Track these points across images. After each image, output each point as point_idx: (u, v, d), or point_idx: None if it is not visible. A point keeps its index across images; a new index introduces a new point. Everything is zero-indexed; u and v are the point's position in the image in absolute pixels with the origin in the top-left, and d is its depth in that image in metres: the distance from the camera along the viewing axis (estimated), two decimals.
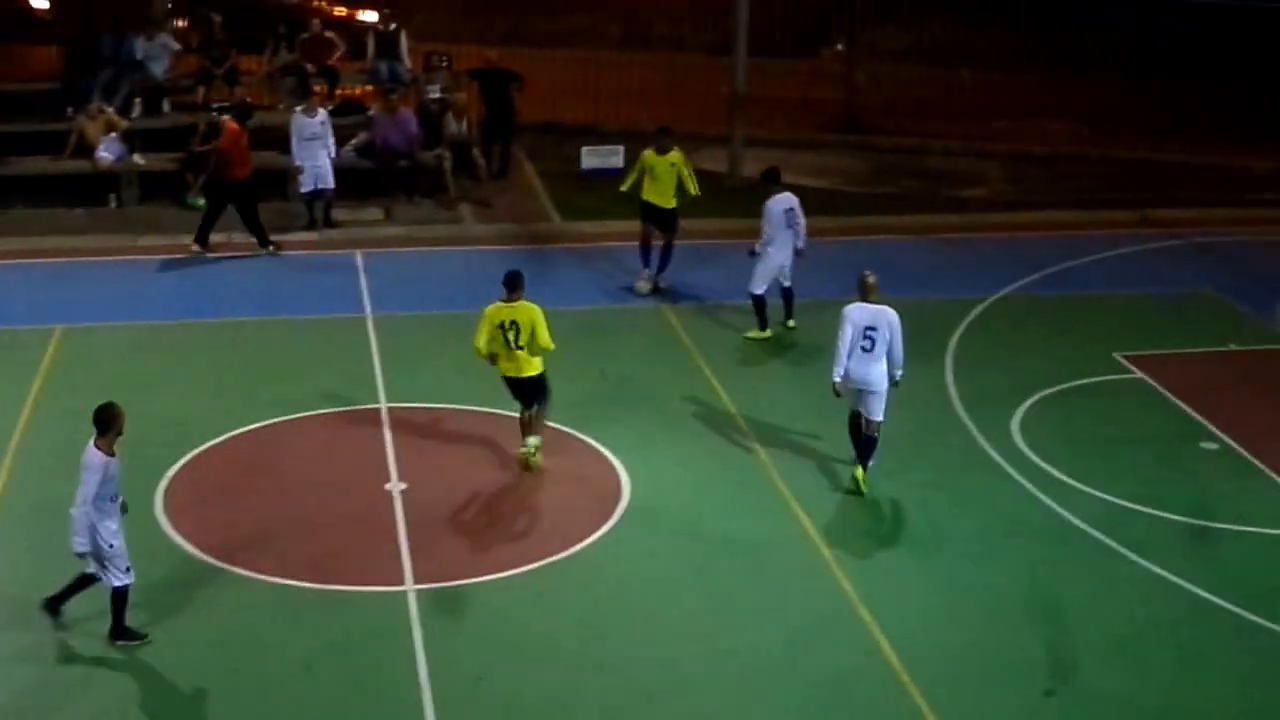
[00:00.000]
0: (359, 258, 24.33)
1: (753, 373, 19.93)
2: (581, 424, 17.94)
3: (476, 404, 18.51)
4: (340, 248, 24.91)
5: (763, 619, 14.24)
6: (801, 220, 20.90)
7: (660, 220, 22.74)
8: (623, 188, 23.31)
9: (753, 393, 19.16)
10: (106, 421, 13.50)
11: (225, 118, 25.14)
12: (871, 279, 16.62)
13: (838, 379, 16.42)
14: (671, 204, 22.56)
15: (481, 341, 16.65)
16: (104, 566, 13.38)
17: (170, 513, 15.93)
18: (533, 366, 16.69)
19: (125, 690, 13.09)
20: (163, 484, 16.51)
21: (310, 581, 14.70)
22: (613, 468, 17.08)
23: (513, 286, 16.74)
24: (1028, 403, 19.04)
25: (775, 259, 20.87)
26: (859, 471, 16.62)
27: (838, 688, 13.25)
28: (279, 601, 14.44)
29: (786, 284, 21.15)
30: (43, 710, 12.78)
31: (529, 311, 16.59)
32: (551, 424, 17.46)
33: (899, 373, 16.53)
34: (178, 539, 15.44)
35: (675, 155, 22.63)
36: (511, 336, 16.55)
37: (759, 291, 20.88)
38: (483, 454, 17.41)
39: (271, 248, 24.46)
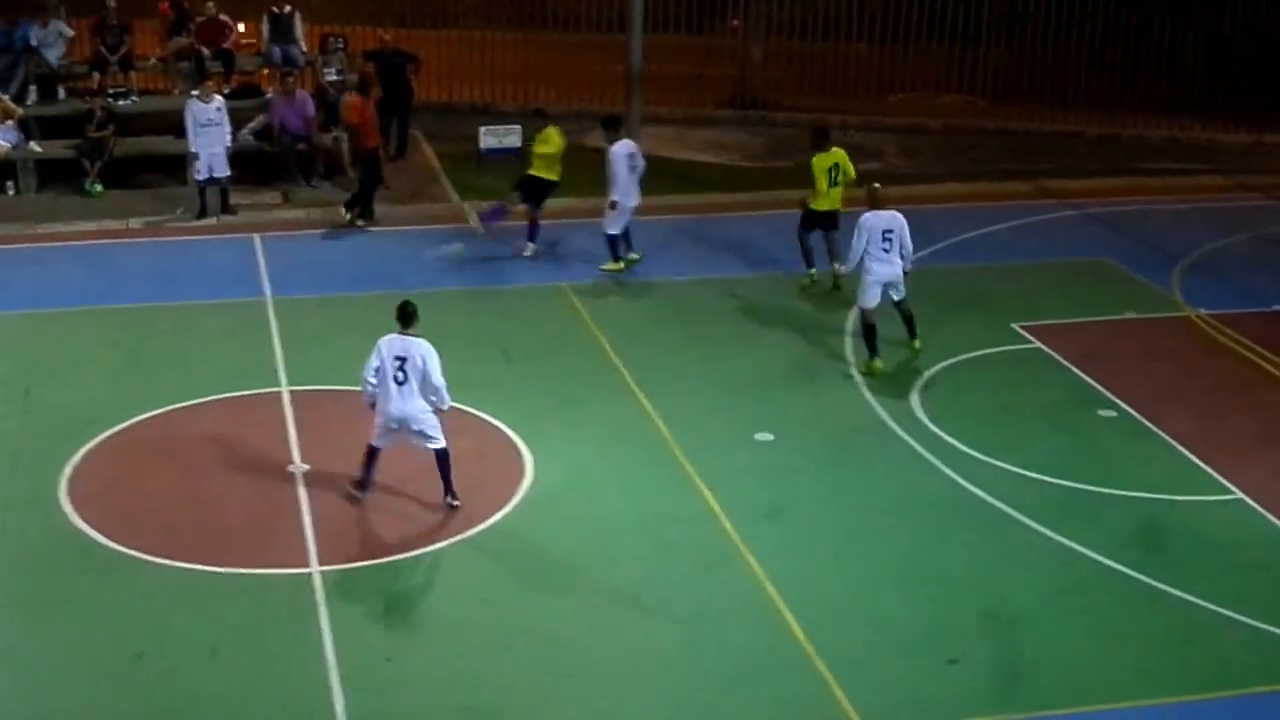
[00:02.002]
0: (257, 241, 24.20)
1: (655, 350, 20.00)
2: (484, 404, 17.97)
3: None
4: (239, 231, 24.77)
5: (668, 596, 14.34)
6: (641, 164, 22.58)
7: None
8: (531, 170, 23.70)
9: (656, 369, 19.25)
10: None
11: (349, 93, 25.63)
12: (879, 189, 19.87)
13: (843, 271, 21.34)
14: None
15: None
16: None
17: (75, 501, 15.83)
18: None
19: (28, 679, 13.01)
20: (66, 472, 16.40)
21: (216, 565, 14.66)
22: (516, 447, 17.13)
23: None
24: (927, 374, 19.30)
25: (627, 206, 22.39)
26: (914, 344, 19.86)
27: (744, 664, 13.35)
28: (184, 587, 14.39)
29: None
30: None
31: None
32: (456, 404, 17.50)
33: (909, 265, 19.59)
34: (83, 527, 15.35)
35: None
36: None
37: (613, 233, 22.42)
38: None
39: (362, 222, 24.93)
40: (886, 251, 19.19)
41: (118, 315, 21.05)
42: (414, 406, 15.29)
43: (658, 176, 24.63)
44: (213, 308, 21.38)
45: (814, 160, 22.16)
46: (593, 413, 18.14)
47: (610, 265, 22.58)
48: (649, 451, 17.18)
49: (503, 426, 17.59)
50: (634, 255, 22.69)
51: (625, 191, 22.27)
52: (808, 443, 17.41)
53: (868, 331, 19.31)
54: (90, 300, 21.64)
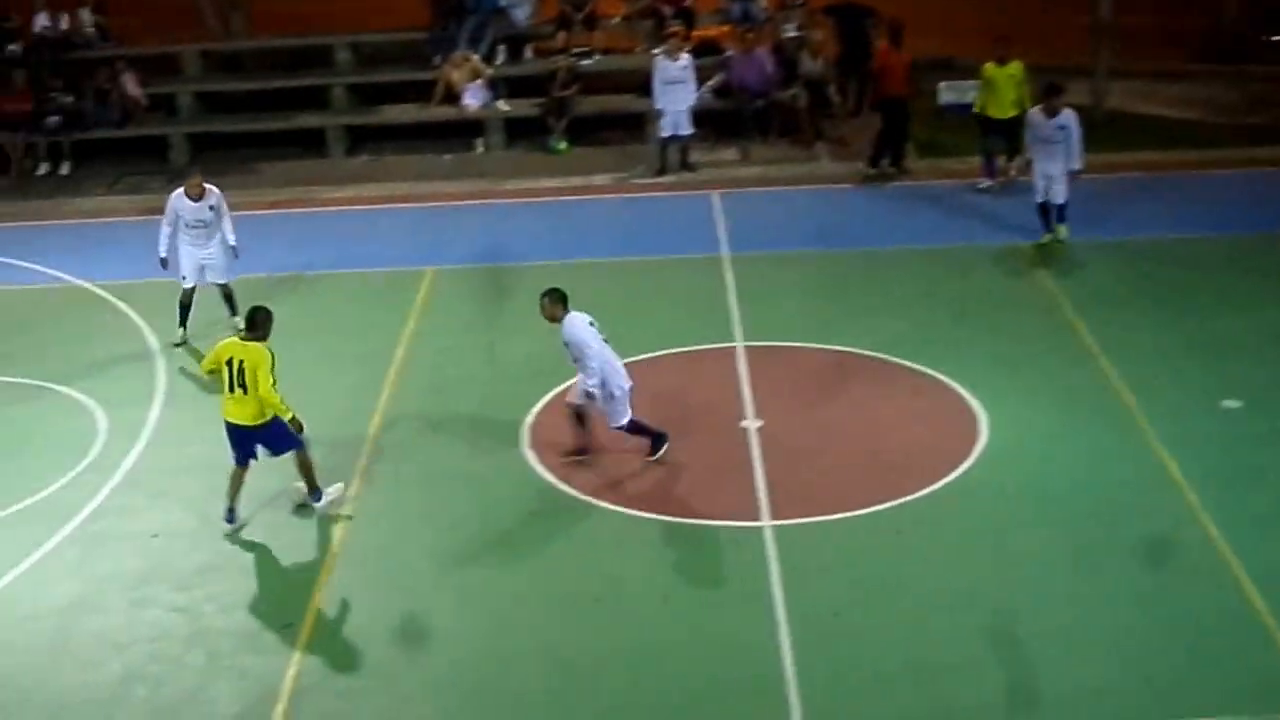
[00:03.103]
0: (715, 198, 24.50)
1: (1117, 311, 19.35)
2: (938, 363, 17.78)
3: (833, 342, 18.55)
4: (696, 189, 25.14)
5: (1125, 565, 13.89)
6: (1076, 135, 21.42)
7: (1001, 130, 23.76)
8: (975, 108, 24.28)
9: (1116, 331, 18.63)
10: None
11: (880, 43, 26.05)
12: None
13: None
14: (1010, 113, 23.50)
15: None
16: None
17: (535, 449, 16.35)
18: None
19: (495, 617, 13.54)
20: (528, 420, 16.96)
21: (669, 515, 14.95)
22: (970, 408, 16.87)
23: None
24: None
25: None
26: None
27: (1205, 637, 12.84)
28: (638, 535, 14.72)
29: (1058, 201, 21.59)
30: (418, 635, 13.29)
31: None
32: (908, 362, 17.37)
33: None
34: (544, 474, 15.86)
35: (1014, 67, 23.72)
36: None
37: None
38: (839, 392, 17.42)
39: (894, 169, 25.21)
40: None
41: (575, 269, 21.61)
42: None
43: (1125, 131, 23.89)
44: (671, 263, 21.76)
45: None
46: (1049, 374, 17.70)
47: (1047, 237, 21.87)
48: (1107, 415, 16.66)
49: (957, 386, 17.34)
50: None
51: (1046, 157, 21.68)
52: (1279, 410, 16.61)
53: None
54: (552, 255, 22.30)
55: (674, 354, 18.60)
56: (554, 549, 14.60)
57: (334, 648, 13.10)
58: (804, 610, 13.28)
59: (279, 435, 14.77)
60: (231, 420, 14.75)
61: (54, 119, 27.42)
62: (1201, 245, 21.57)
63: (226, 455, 15.10)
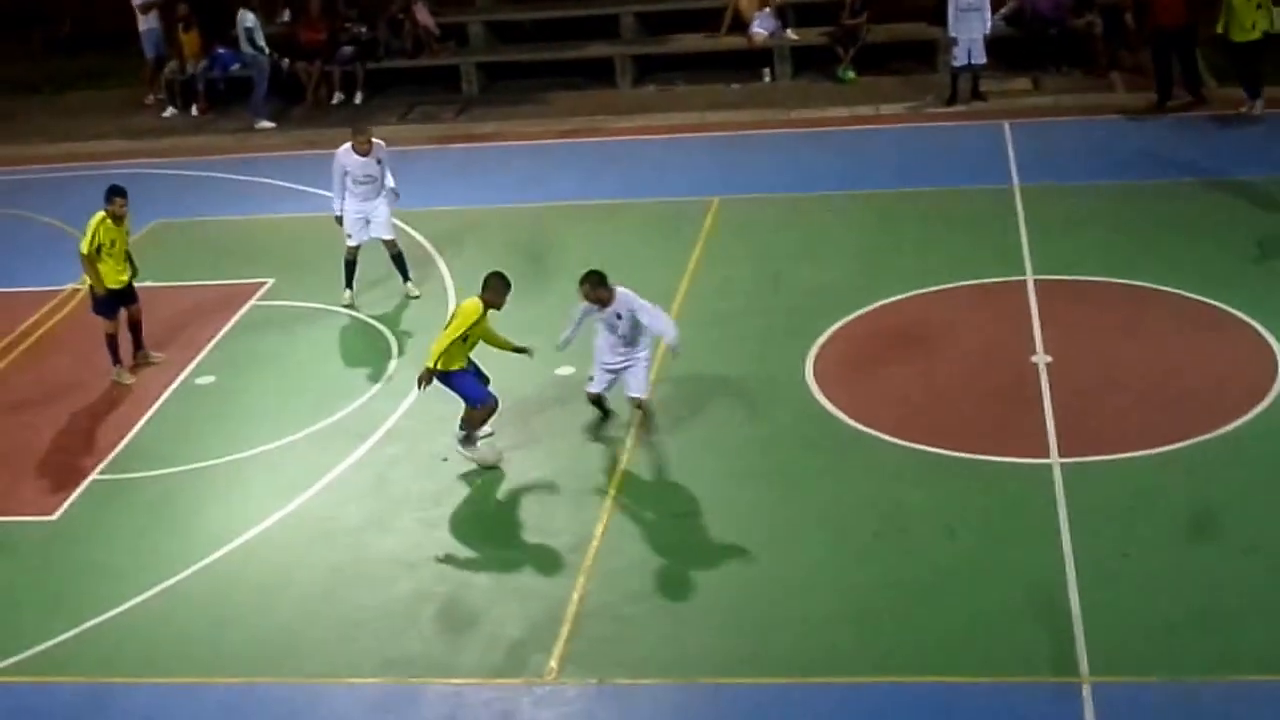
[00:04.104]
0: (1007, 128, 24.01)
1: None
2: (1237, 300, 17.18)
3: (1124, 276, 18.07)
4: (988, 117, 24.67)
5: None
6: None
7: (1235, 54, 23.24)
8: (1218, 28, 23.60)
9: None
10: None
11: None
12: None
13: None
14: (1247, 36, 22.98)
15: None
16: None
17: (818, 378, 16.28)
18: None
19: (778, 546, 13.55)
20: (812, 350, 16.89)
21: (954, 450, 14.75)
22: (1269, 345, 16.26)
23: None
24: None
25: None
26: None
27: None
28: (922, 468, 14.57)
29: None
30: (699, 562, 13.37)
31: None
32: (1205, 298, 16.85)
33: None
34: (827, 405, 15.78)
35: None
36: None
37: None
38: (1130, 327, 16.96)
39: (1192, 98, 24.46)
40: None
41: (862, 200, 21.43)
42: None
43: None
44: (960, 194, 21.41)
45: None
46: None
47: None
48: None
49: (1256, 324, 16.71)
50: None
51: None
52: None
53: None
54: (840, 185, 22.11)
55: (963, 286, 18.31)
56: (836, 480, 14.52)
57: (617, 573, 13.25)
58: (1092, 550, 13.00)
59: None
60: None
61: (348, 49, 28.08)
62: None
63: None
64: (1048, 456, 14.51)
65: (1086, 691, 11.37)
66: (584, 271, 14.86)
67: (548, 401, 16.05)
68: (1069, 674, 11.58)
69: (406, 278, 19.22)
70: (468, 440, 15.03)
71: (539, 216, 21.64)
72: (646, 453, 15.09)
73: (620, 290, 14.78)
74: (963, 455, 14.67)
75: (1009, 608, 12.40)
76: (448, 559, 13.67)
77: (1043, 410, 15.34)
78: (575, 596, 12.93)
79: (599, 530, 13.84)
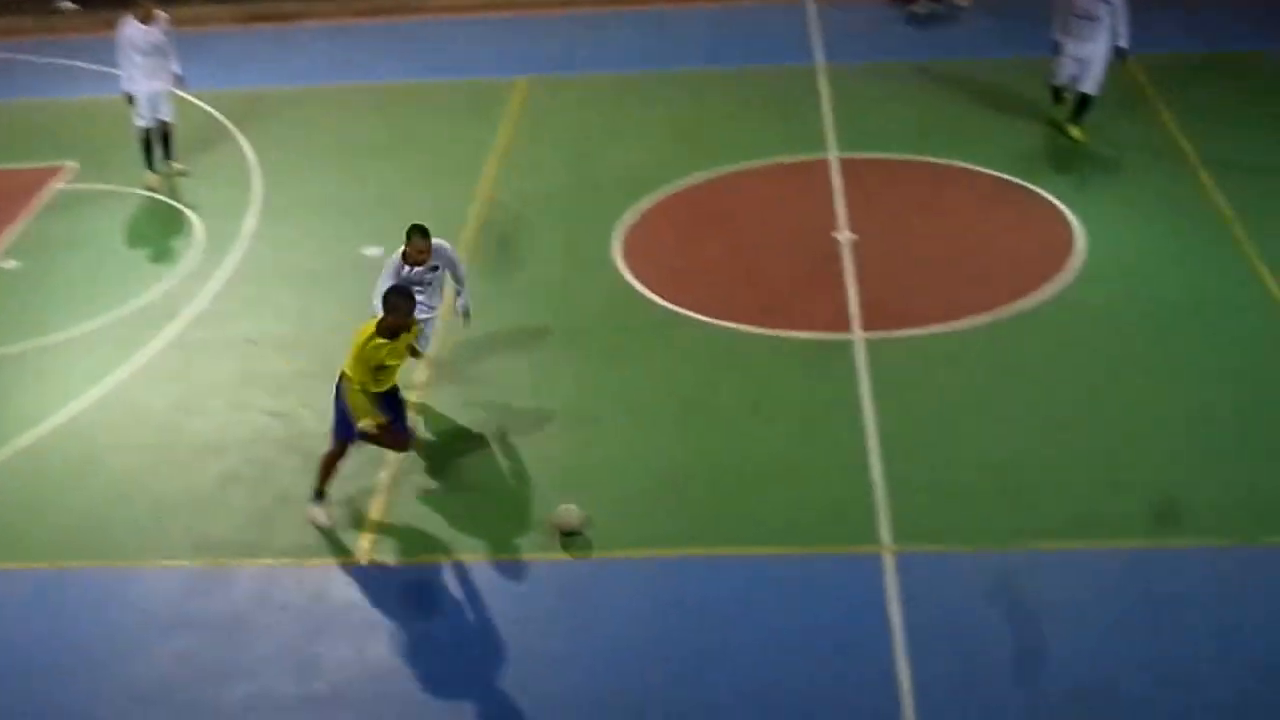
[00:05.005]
0: (812, 8, 24.14)
1: (1226, 126, 18.92)
2: (1037, 177, 17.64)
3: (927, 154, 18.41)
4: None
5: (1220, 384, 13.82)
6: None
7: None
8: None
9: (1221, 146, 18.30)
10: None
11: None
12: None
13: None
14: None
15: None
16: None
17: (627, 258, 16.38)
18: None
19: (578, 423, 13.69)
20: (620, 231, 16.98)
21: (760, 327, 14.98)
22: (1068, 222, 16.70)
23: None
24: None
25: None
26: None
27: None
28: (728, 344, 14.78)
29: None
30: (506, 438, 13.47)
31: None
32: (1005, 175, 17.23)
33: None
34: (636, 284, 15.91)
35: None
36: None
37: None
38: (933, 204, 17.30)
39: None
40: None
41: (674, 80, 21.46)
42: None
43: None
44: (767, 73, 21.52)
45: None
46: (1149, 189, 17.44)
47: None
48: (1207, 231, 16.42)
49: (1056, 201, 17.15)
50: None
51: None
52: None
53: None
54: (648, 64, 22.14)
55: (769, 165, 18.49)
56: (646, 359, 14.67)
57: (428, 456, 13.31)
58: (895, 423, 13.34)
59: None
60: None
61: None
62: None
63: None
64: (852, 331, 14.79)
65: (889, 560, 11.71)
66: (410, 226, 13.22)
67: (350, 282, 15.97)
68: (872, 543, 11.91)
69: (170, 157, 18.93)
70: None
71: (345, 97, 21.37)
72: (456, 330, 15.09)
73: (437, 243, 13.40)
74: (769, 332, 14.88)
75: (815, 480, 12.70)
76: (256, 441, 13.62)
77: (845, 287, 15.61)
78: (385, 477, 12.97)
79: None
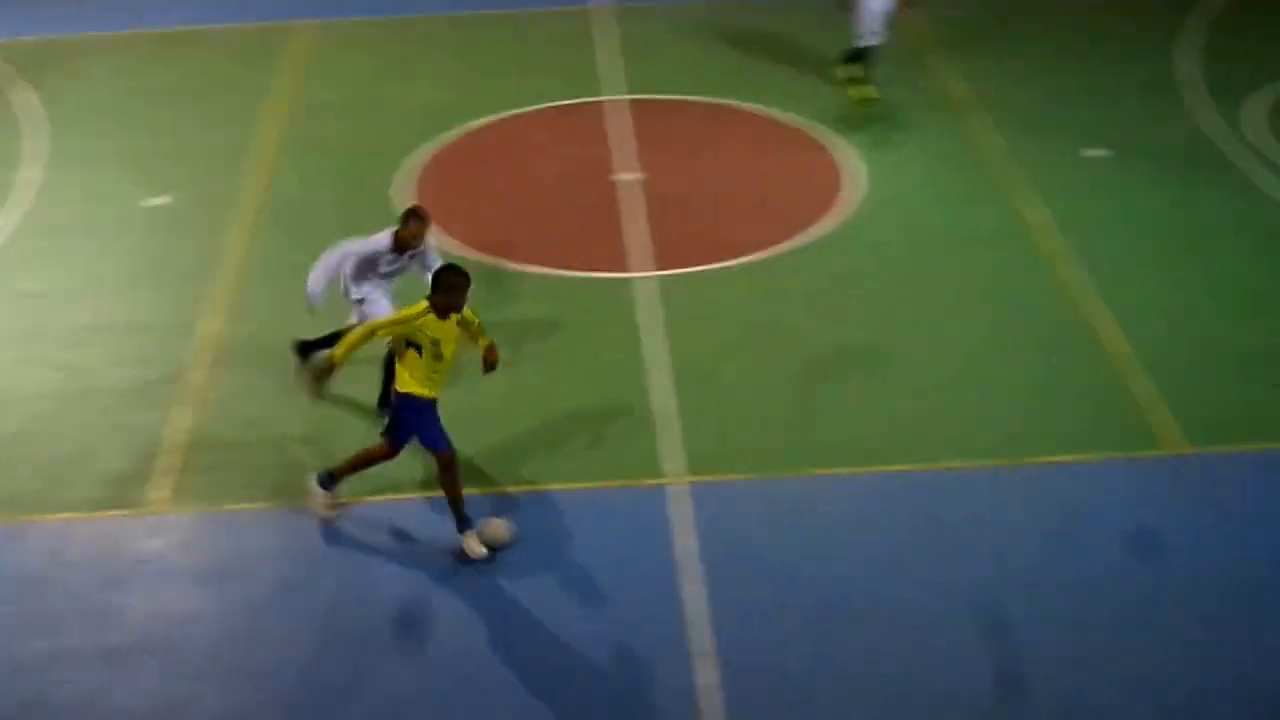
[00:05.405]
0: None
1: (988, 63, 19.65)
2: (814, 115, 18.20)
3: (712, 95, 18.78)
4: None
5: (989, 311, 14.43)
6: None
7: None
8: None
9: (987, 82, 19.04)
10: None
11: None
12: None
13: None
14: None
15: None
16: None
17: (418, 199, 16.36)
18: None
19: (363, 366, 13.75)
20: (402, 175, 17.08)
21: (546, 268, 15.20)
22: (846, 159, 17.21)
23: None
24: (1270, 90, 18.62)
25: None
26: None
27: (1061, 378, 13.40)
28: (517, 287, 14.93)
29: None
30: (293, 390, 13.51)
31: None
32: (785, 114, 17.63)
33: None
34: None
35: None
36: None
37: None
38: (719, 144, 17.67)
39: None
40: None
41: (453, 23, 21.46)
42: None
43: None
44: (548, 15, 21.64)
45: None
46: (920, 126, 18.06)
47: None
48: (976, 166, 17.10)
49: (833, 137, 17.67)
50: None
51: None
52: (1141, 159, 17.07)
53: None
54: (428, 8, 22.09)
55: (551, 107, 18.68)
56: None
57: (220, 404, 13.31)
58: (681, 358, 13.66)
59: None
60: None
61: None
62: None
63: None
64: (637, 270, 15.08)
65: (680, 489, 12.04)
66: (407, 210, 12.66)
67: (137, 233, 15.87)
68: (663, 475, 12.22)
69: None
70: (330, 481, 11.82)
71: (129, 45, 21.02)
72: (247, 281, 15.04)
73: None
74: (555, 272, 15.12)
75: (607, 416, 12.96)
76: (46, 396, 13.49)
77: (632, 226, 15.89)
78: (180, 426, 12.96)
79: (196, 361, 13.86)
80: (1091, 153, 17.19)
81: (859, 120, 18.13)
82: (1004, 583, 11.00)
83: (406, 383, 11.10)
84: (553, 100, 18.81)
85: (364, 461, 11.66)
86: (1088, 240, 15.44)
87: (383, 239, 12.40)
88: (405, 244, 12.40)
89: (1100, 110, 18.25)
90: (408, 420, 11.24)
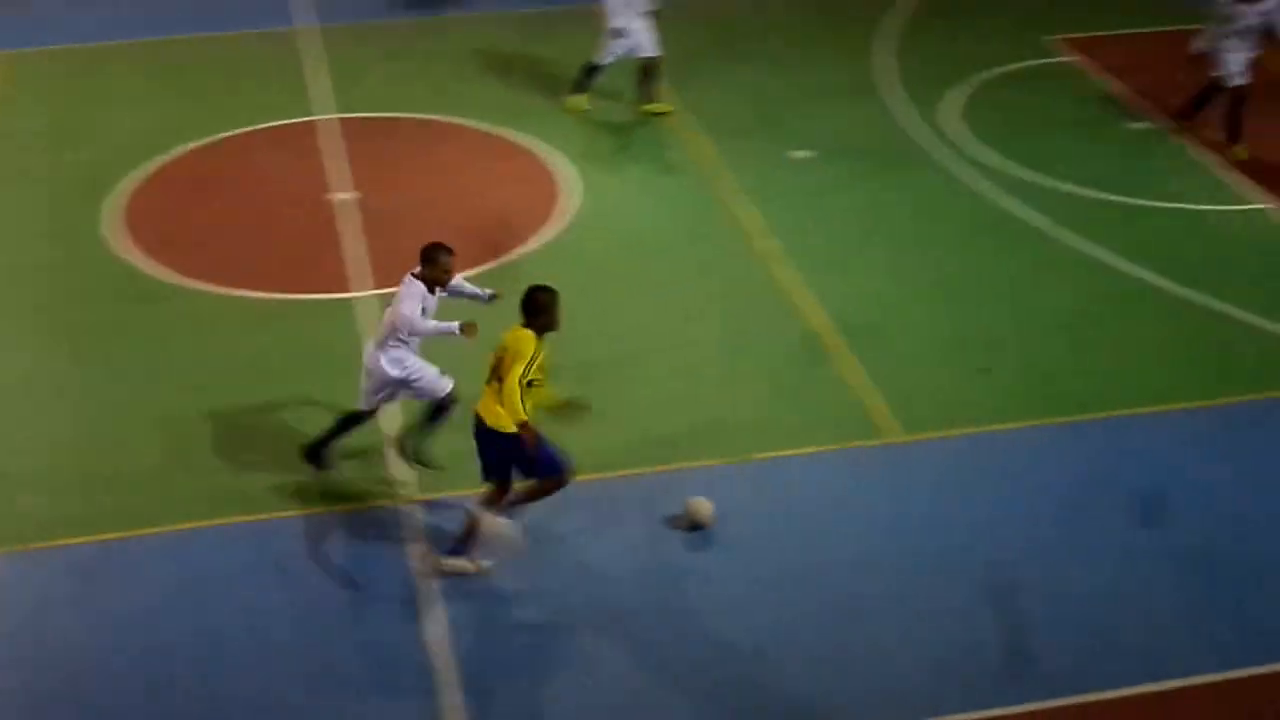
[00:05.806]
0: None
1: (694, 71, 20.02)
2: (529, 128, 18.36)
3: (419, 111, 18.78)
4: None
5: (712, 310, 14.73)
6: None
7: None
8: None
9: (695, 90, 19.42)
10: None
11: None
12: None
13: None
14: None
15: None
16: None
17: (118, 231, 16.14)
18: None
19: (83, 406, 13.49)
20: (111, 203, 16.72)
21: (263, 292, 15.02)
22: (562, 171, 17.40)
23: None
24: (961, 88, 19.33)
25: None
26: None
27: (781, 374, 13.74)
28: (230, 314, 14.72)
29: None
30: (12, 422, 13.15)
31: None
32: (499, 129, 17.73)
33: None
34: (126, 256, 15.71)
35: None
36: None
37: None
38: (434, 161, 17.68)
39: None
40: None
41: (160, 49, 21.11)
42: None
43: None
44: (251, 37, 21.44)
45: None
46: (634, 135, 18.39)
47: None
48: (690, 171, 17.46)
49: (548, 150, 17.84)
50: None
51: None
52: (845, 159, 17.60)
53: None
54: (132, 34, 21.69)
55: (263, 129, 18.49)
56: (149, 334, 14.47)
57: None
58: None
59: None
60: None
61: None
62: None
63: None
64: (354, 290, 15.00)
65: (411, 509, 12.08)
66: (431, 245, 11.87)
67: None
68: (398, 497, 12.23)
69: None
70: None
71: None
72: None
73: None
74: (273, 296, 14.95)
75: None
76: None
77: (348, 246, 15.81)
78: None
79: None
80: (798, 154, 17.66)
81: (571, 132, 18.31)
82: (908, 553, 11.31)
83: (527, 411, 10.75)
84: (264, 122, 18.61)
85: (539, 494, 11.24)
86: (797, 238, 15.89)
87: (416, 288, 11.70)
88: (440, 280, 11.83)
89: (806, 114, 18.75)
90: (543, 444, 10.95)
